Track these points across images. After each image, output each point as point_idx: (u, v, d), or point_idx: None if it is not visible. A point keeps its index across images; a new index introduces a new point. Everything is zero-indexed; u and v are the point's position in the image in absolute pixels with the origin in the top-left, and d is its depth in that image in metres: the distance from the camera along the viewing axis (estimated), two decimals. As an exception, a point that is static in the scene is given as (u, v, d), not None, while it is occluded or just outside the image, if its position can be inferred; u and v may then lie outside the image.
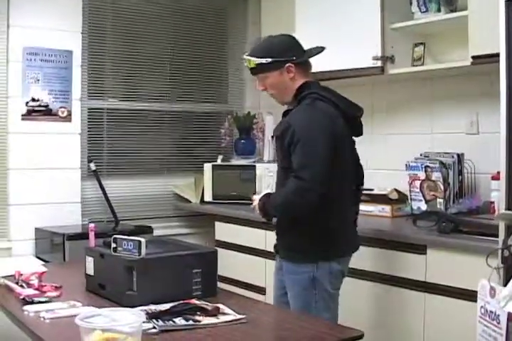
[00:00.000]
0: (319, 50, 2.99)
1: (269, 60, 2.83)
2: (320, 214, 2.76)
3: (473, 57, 3.27)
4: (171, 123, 5.00)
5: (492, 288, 1.75)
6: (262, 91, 3.00)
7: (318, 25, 4.08)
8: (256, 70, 2.89)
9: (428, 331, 3.10)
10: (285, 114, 2.94)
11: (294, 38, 2.97)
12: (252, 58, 2.86)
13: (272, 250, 3.07)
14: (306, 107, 2.82)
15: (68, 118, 4.34)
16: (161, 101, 4.92)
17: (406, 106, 4.17)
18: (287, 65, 2.86)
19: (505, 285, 2.02)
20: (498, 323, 1.70)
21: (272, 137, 3.11)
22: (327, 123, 2.77)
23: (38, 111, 4.21)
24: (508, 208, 2.39)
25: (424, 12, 3.70)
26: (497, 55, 2.56)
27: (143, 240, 2.40)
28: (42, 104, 4.23)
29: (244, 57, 2.91)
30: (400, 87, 4.16)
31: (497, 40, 2.53)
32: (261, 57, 2.84)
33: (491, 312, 1.74)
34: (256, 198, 2.94)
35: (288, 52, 2.87)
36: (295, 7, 4.27)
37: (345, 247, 2.92)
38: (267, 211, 2.87)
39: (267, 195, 2.91)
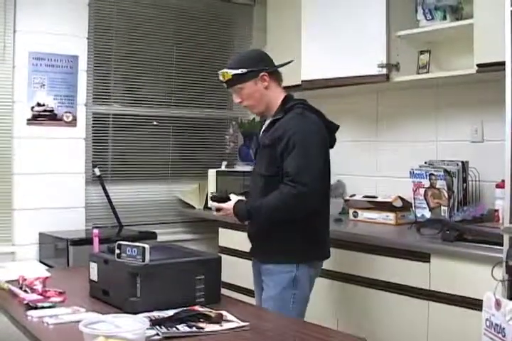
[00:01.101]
0: (287, 62, 3.13)
1: (244, 70, 2.95)
2: (311, 217, 2.90)
3: (479, 65, 3.28)
4: (176, 129, 5.01)
5: (497, 301, 1.75)
6: (238, 103, 3.09)
7: (323, 32, 4.08)
8: (232, 82, 2.98)
9: (431, 339, 3.09)
10: (271, 124, 2.99)
11: (264, 52, 3.15)
12: (228, 70, 2.97)
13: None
14: (298, 116, 2.91)
15: (73, 123, 4.35)
16: (165, 106, 4.93)
17: (411, 114, 4.17)
18: (261, 74, 2.98)
19: (510, 297, 2.01)
20: (504, 336, 1.69)
21: (257, 147, 3.14)
22: (320, 132, 2.91)
23: (43, 116, 4.22)
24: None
25: (429, 20, 3.70)
26: (502, 63, 2.57)
27: (147, 246, 2.39)
28: (47, 109, 4.23)
29: (220, 71, 3.01)
30: (405, 95, 4.16)
31: (502, 49, 2.53)
32: (236, 68, 2.96)
33: (497, 325, 1.73)
34: (230, 204, 2.96)
35: (261, 62, 3.01)
36: (301, 14, 4.27)
37: (322, 251, 3.04)
38: (245, 216, 2.93)
39: (241, 201, 2.97)
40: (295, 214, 2.85)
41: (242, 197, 3.02)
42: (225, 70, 2.98)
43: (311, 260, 2.96)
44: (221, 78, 3.00)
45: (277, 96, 3.02)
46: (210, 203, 3.11)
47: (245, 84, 2.97)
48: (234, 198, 2.98)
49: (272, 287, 2.93)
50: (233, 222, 4.27)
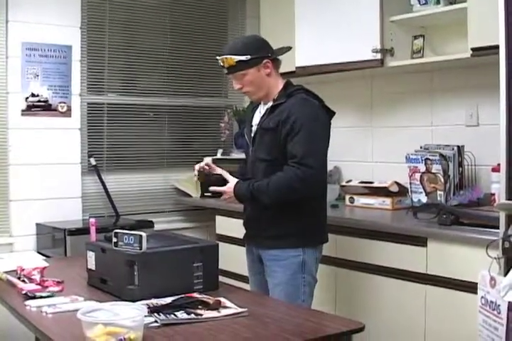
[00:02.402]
0: (287, 49, 3.13)
1: (248, 56, 2.92)
2: (313, 201, 2.95)
3: (473, 49, 3.27)
4: (171, 118, 5.00)
5: (492, 278, 1.76)
6: (238, 89, 3.05)
7: (317, 18, 4.08)
8: (235, 68, 2.95)
9: (429, 323, 3.11)
10: (272, 108, 2.97)
11: (263, 38, 3.11)
12: (232, 56, 2.92)
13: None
14: (303, 101, 2.92)
15: (68, 113, 4.34)
16: (160, 95, 4.92)
17: (405, 99, 4.17)
18: (265, 61, 2.97)
19: (505, 275, 2.03)
20: (499, 313, 1.70)
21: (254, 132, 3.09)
22: (323, 117, 2.94)
23: (37, 107, 4.21)
24: (508, 198, 2.39)
25: (423, 4, 3.69)
26: (496, 46, 2.55)
27: (144, 234, 2.40)
28: (41, 100, 4.22)
29: (221, 57, 2.95)
30: (400, 80, 4.16)
31: (496, 32, 2.52)
32: (240, 55, 2.92)
33: (492, 302, 1.74)
34: (230, 186, 2.96)
35: (264, 49, 2.99)
36: (294, 0, 4.26)
37: (325, 235, 3.08)
38: (247, 197, 2.91)
39: (240, 181, 2.96)
40: (298, 196, 2.87)
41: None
42: (228, 56, 2.93)
43: (316, 243, 3.00)
44: (222, 64, 2.96)
45: (277, 83, 3.03)
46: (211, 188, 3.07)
47: (248, 71, 2.95)
48: (232, 180, 2.97)
49: (281, 273, 2.92)
50: (231, 207, 4.31)
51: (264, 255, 3.00)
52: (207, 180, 3.11)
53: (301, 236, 2.93)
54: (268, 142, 2.94)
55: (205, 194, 2.94)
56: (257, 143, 3.04)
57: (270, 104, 3.01)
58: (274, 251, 2.94)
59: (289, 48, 3.15)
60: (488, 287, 1.77)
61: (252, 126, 3.12)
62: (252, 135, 3.07)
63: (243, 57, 2.91)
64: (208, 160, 3.21)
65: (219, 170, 3.08)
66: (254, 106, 3.20)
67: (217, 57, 2.98)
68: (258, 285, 3.12)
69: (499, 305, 1.71)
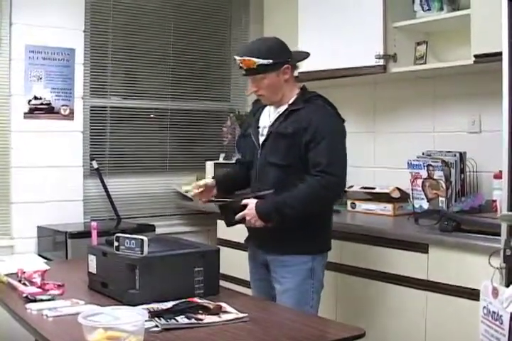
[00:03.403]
0: (305, 55, 3.10)
1: (270, 61, 2.86)
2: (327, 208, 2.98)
3: (476, 56, 3.27)
4: (173, 122, 5.00)
5: (495, 289, 1.75)
6: (253, 92, 3.00)
7: (320, 23, 4.08)
8: (254, 71, 2.89)
9: (430, 329, 3.10)
10: (289, 113, 2.93)
11: (284, 42, 3.01)
12: (254, 59, 2.85)
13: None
14: (323, 108, 2.91)
15: (70, 116, 4.34)
16: (163, 99, 4.92)
17: (408, 105, 4.17)
18: (285, 66, 2.92)
19: (507, 285, 2.02)
20: (501, 323, 1.70)
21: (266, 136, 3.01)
22: (342, 125, 2.96)
23: (40, 110, 4.21)
24: (510, 209, 2.39)
25: (426, 10, 3.70)
26: (499, 53, 2.56)
27: (145, 238, 2.40)
28: (44, 102, 4.23)
29: (242, 58, 2.88)
30: (402, 86, 4.16)
31: (499, 39, 2.52)
32: (262, 58, 2.85)
33: (494, 312, 1.74)
34: (250, 207, 2.81)
35: (285, 54, 2.94)
36: (298, 5, 4.26)
37: (330, 241, 3.06)
38: (273, 217, 2.79)
39: (259, 201, 2.82)
40: (325, 205, 2.93)
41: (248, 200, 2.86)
42: (249, 58, 2.86)
43: (324, 250, 3.00)
44: (241, 65, 2.89)
45: (293, 88, 3.00)
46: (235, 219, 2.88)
47: (267, 75, 2.89)
48: (250, 201, 2.83)
49: (290, 278, 2.90)
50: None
51: (273, 261, 2.97)
52: (230, 210, 2.92)
53: (310, 242, 2.91)
54: (283, 147, 2.89)
55: (232, 223, 2.77)
56: (268, 147, 2.97)
57: (284, 107, 2.97)
58: (283, 257, 2.91)
59: (308, 55, 3.10)
60: (491, 297, 1.77)
61: (258, 127, 3.07)
62: (263, 138, 3.00)
63: (265, 61, 2.85)
64: (208, 181, 3.14)
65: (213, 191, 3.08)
66: (259, 106, 3.16)
67: (237, 58, 2.91)
68: (261, 291, 3.10)
69: (501, 316, 1.70)
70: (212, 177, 3.27)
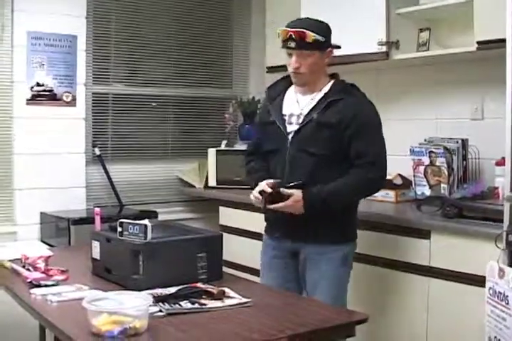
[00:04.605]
0: (338, 46, 2.98)
1: (324, 39, 2.82)
2: None
3: (479, 43, 3.27)
4: (175, 108, 5.01)
5: (501, 269, 1.77)
6: (294, 69, 2.87)
7: (323, 10, 4.06)
8: (308, 46, 2.80)
9: (432, 315, 3.12)
10: (331, 101, 2.86)
11: None
12: (311, 33, 2.78)
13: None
14: (365, 100, 2.94)
15: (73, 103, 4.34)
16: (165, 86, 4.92)
17: (411, 92, 4.17)
18: (329, 49, 2.90)
19: (510, 264, 2.04)
20: (507, 303, 1.72)
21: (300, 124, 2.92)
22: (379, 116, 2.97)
23: (42, 96, 4.21)
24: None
25: (429, -3, 3.69)
26: (502, 40, 2.56)
27: (149, 224, 2.41)
28: (46, 89, 4.23)
29: (297, 29, 2.78)
30: (405, 73, 4.16)
31: (502, 26, 2.53)
32: (319, 35, 2.80)
33: (500, 293, 1.76)
34: (296, 199, 2.78)
35: (331, 36, 2.90)
36: (300, -8, 4.26)
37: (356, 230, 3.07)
38: (317, 206, 2.79)
39: (305, 191, 2.79)
40: (368, 195, 3.03)
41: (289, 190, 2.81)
42: (307, 31, 2.76)
43: (354, 237, 3.01)
44: (293, 36, 2.78)
45: (326, 74, 2.98)
46: (272, 206, 2.82)
47: (316, 53, 2.83)
48: (295, 192, 2.79)
49: (327, 266, 2.89)
50: (235, 198, 4.32)
51: (307, 250, 2.94)
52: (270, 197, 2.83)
53: (343, 230, 2.94)
54: (325, 137, 2.84)
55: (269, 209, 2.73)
56: (304, 136, 2.88)
57: (318, 95, 2.92)
58: (319, 246, 2.89)
59: (339, 47, 2.98)
60: (497, 278, 1.78)
61: (283, 115, 2.98)
62: (294, 126, 2.92)
63: (320, 38, 2.79)
64: (261, 187, 2.89)
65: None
66: (277, 92, 3.08)
67: (288, 29, 2.80)
68: (279, 281, 3.03)
69: (507, 296, 1.72)
70: (260, 181, 2.95)
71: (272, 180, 2.86)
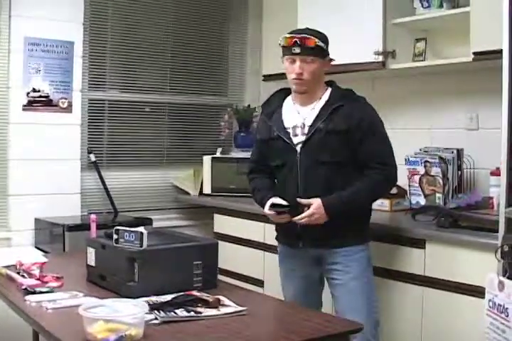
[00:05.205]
0: (332, 59, 3.04)
1: (325, 46, 2.89)
2: None
3: (475, 54, 3.29)
4: (171, 116, 5.01)
5: (500, 282, 1.78)
6: (297, 74, 2.89)
7: (320, 19, 4.07)
8: (312, 52, 2.86)
9: (426, 325, 3.12)
10: (335, 109, 2.89)
11: None
12: (315, 39, 2.85)
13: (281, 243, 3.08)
14: (367, 104, 2.99)
15: (69, 109, 4.34)
16: (161, 93, 4.92)
17: (406, 101, 4.18)
18: (329, 58, 2.96)
19: (507, 276, 2.05)
20: (507, 316, 1.72)
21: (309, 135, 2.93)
22: None
23: (38, 102, 4.21)
24: (508, 205, 2.41)
25: (426, 7, 3.70)
26: (498, 51, 2.58)
27: (145, 231, 2.41)
28: (43, 95, 4.22)
29: (302, 35, 2.85)
30: (401, 82, 4.17)
31: (499, 37, 2.54)
32: (321, 41, 2.87)
33: (500, 305, 1.76)
34: (317, 206, 2.81)
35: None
36: (297, 1, 4.27)
37: None
38: (338, 212, 2.83)
39: (324, 199, 2.83)
40: (384, 195, 3.23)
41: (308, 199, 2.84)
42: (311, 37, 2.85)
43: (370, 239, 3.05)
44: (299, 42, 2.85)
45: (323, 83, 3.02)
46: (296, 219, 2.85)
47: (318, 60, 2.89)
48: (314, 200, 2.82)
49: (355, 267, 2.93)
50: (230, 206, 4.32)
51: (334, 254, 2.94)
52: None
53: (364, 231, 3.01)
54: (336, 144, 2.88)
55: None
56: (314, 145, 2.90)
57: (319, 104, 2.96)
58: (346, 248, 2.92)
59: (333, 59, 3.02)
60: (497, 290, 1.79)
61: (286, 128, 2.99)
62: (301, 137, 2.93)
63: (323, 44, 2.87)
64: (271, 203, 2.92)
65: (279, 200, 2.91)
66: (272, 108, 3.10)
67: (294, 35, 2.87)
68: (302, 289, 3.08)
69: (507, 309, 1.73)
70: (269, 198, 2.96)
71: (278, 198, 2.90)
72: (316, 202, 2.82)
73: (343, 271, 2.95)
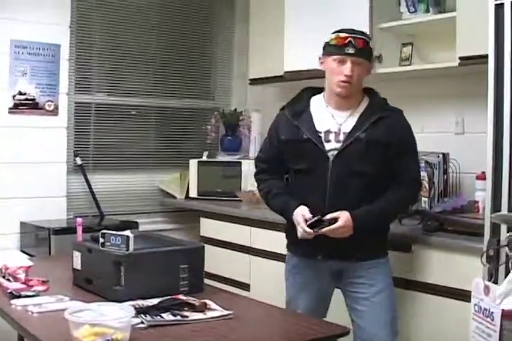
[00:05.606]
0: None
1: (372, 50, 2.85)
2: None
3: (461, 58, 3.30)
4: (158, 119, 5.00)
5: (486, 286, 1.78)
6: (346, 76, 2.74)
7: (307, 23, 4.09)
8: (363, 53, 2.76)
9: (414, 328, 3.12)
10: (378, 119, 2.78)
11: None
12: (369, 40, 2.80)
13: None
14: (403, 115, 2.91)
15: (55, 112, 4.32)
16: (147, 96, 4.92)
17: (393, 106, 4.18)
18: (372, 63, 2.91)
19: (492, 280, 2.06)
20: (492, 320, 1.73)
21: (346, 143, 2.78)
22: None
23: (24, 105, 4.19)
24: (494, 210, 2.43)
25: (412, 12, 3.72)
26: (484, 56, 2.59)
27: (131, 235, 2.41)
28: (29, 98, 4.20)
29: (360, 36, 2.76)
30: (387, 87, 4.14)
31: (484, 42, 2.55)
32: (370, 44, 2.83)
33: (485, 309, 1.77)
34: (345, 219, 2.67)
35: None
36: (284, 4, 4.27)
37: None
38: (368, 226, 2.73)
39: (353, 213, 2.70)
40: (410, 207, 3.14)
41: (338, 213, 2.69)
42: (367, 39, 2.77)
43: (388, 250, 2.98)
44: (353, 42, 2.72)
45: (362, 89, 2.90)
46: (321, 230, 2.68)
47: (366, 62, 2.78)
48: (342, 213, 2.67)
49: (381, 279, 2.84)
50: (216, 209, 4.32)
51: (356, 268, 2.83)
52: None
53: (385, 243, 2.93)
54: (375, 155, 2.75)
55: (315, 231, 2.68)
56: (352, 155, 2.75)
57: (357, 110, 2.83)
58: (369, 261, 2.83)
59: None
60: (483, 295, 1.80)
61: (318, 132, 2.80)
62: (336, 144, 2.77)
63: (371, 48, 2.82)
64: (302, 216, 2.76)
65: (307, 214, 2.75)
66: (300, 109, 2.89)
67: (349, 34, 2.74)
68: (312, 303, 2.94)
69: (493, 313, 1.73)
70: (294, 208, 2.81)
71: (307, 210, 2.74)
72: (345, 215, 2.67)
73: (368, 284, 2.83)
